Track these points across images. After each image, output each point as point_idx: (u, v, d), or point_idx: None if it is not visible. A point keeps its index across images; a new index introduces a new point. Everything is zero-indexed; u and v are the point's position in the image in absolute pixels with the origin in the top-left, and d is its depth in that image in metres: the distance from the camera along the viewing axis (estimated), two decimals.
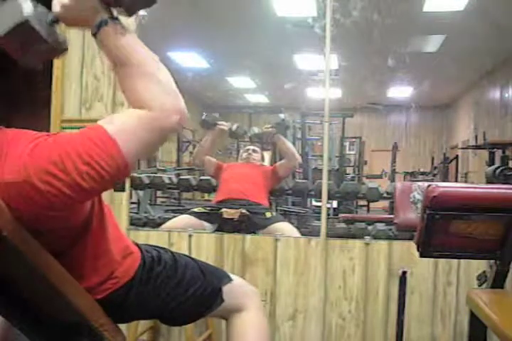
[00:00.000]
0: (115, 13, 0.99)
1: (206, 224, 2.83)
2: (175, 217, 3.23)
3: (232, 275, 1.40)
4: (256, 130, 3.25)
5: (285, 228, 2.79)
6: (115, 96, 2.35)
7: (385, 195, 3.55)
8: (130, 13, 1.01)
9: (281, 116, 3.23)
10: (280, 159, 3.51)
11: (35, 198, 0.88)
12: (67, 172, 0.87)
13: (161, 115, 0.93)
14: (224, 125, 3.24)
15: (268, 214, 2.87)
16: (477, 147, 5.88)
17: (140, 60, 0.98)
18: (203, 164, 3.27)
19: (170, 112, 0.94)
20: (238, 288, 1.39)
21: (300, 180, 4.18)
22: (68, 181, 0.87)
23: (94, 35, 0.97)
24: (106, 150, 0.89)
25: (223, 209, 2.83)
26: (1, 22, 0.89)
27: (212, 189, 3.50)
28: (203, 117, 3.29)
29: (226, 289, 1.33)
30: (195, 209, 2.94)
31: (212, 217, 2.85)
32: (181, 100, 0.97)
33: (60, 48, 0.98)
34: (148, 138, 0.93)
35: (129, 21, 2.32)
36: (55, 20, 0.96)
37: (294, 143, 5.99)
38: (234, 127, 3.29)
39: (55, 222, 0.97)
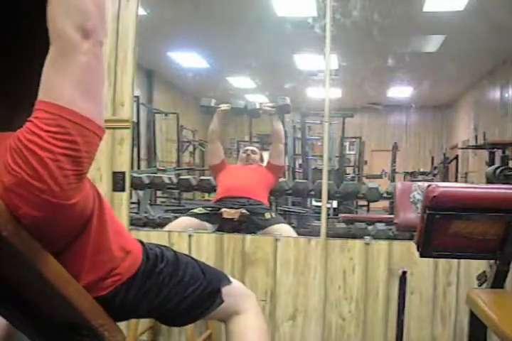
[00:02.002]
0: None
1: (208, 224, 2.83)
2: (175, 217, 3.22)
3: (231, 278, 1.40)
4: (257, 105, 3.22)
5: (283, 229, 2.78)
6: (115, 96, 2.35)
7: (385, 195, 3.56)
8: None
9: (287, 100, 3.20)
10: None
11: (36, 192, 0.87)
12: (36, 153, 0.85)
13: (65, 46, 0.85)
14: (224, 106, 3.24)
15: (267, 215, 2.86)
16: (477, 147, 5.88)
17: None
18: (214, 148, 3.24)
19: (73, 40, 0.85)
20: (237, 290, 1.39)
21: (300, 180, 4.18)
22: (48, 159, 0.85)
23: None
24: (45, 111, 0.85)
25: (223, 209, 2.83)
26: None
27: (213, 189, 3.50)
28: (201, 103, 3.25)
29: (225, 290, 1.33)
30: (196, 210, 2.93)
31: (213, 217, 2.85)
32: (92, 17, 0.88)
33: None
34: (71, 76, 0.86)
35: (129, 21, 2.34)
36: None
37: (294, 143, 6.03)
38: (234, 105, 3.28)
39: (64, 215, 0.96)
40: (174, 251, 1.34)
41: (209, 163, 3.33)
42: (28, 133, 0.86)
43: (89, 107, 0.90)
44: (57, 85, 0.87)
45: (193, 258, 1.40)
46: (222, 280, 1.36)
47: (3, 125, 1.02)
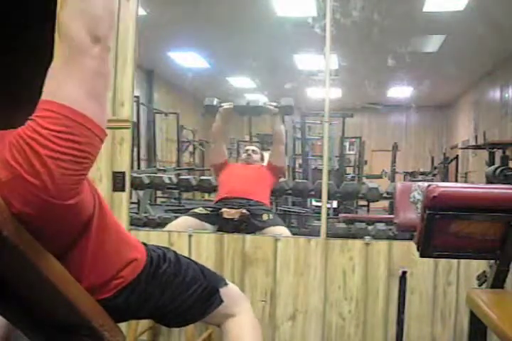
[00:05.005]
0: None
1: (207, 225, 2.82)
2: (175, 217, 3.22)
3: (227, 280, 1.42)
4: (260, 103, 3.17)
5: (279, 233, 2.74)
6: (115, 96, 2.35)
7: (385, 195, 3.56)
8: None
9: (291, 101, 3.15)
10: None
11: (32, 190, 0.86)
12: (34, 151, 0.85)
13: (75, 50, 0.87)
14: (227, 104, 3.21)
15: (265, 217, 2.83)
16: (477, 147, 5.87)
17: None
18: (217, 148, 3.23)
19: (84, 44, 0.87)
20: (233, 292, 1.41)
21: (300, 180, 4.19)
22: (44, 159, 0.85)
23: None
24: (49, 110, 0.86)
25: (223, 209, 2.82)
26: None
27: (212, 189, 3.50)
28: (205, 103, 3.20)
29: (223, 292, 1.34)
30: (196, 210, 2.92)
31: (213, 217, 2.84)
32: (103, 23, 0.89)
33: None
34: (78, 78, 0.87)
35: (129, 21, 2.34)
36: None
37: (294, 143, 6.03)
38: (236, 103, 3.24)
39: (61, 216, 0.96)
40: (175, 252, 1.36)
41: (211, 162, 3.32)
42: (29, 130, 0.86)
43: (93, 109, 0.90)
44: (64, 86, 0.88)
45: (191, 259, 1.41)
46: (220, 281, 1.38)
47: (3, 123, 1.02)
